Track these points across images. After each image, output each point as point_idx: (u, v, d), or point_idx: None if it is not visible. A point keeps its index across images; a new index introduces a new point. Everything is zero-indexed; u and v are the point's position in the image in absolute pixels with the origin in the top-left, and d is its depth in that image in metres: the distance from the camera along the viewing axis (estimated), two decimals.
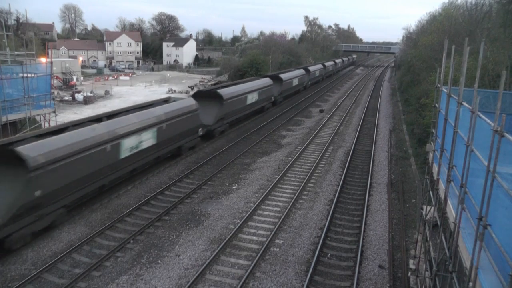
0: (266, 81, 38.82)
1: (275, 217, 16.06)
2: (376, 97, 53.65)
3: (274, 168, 21.96)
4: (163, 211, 16.22)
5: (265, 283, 11.85)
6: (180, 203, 17.23)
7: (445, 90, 9.63)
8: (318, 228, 15.38)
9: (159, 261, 12.77)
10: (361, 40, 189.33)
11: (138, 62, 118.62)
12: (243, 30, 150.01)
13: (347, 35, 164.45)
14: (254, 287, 11.66)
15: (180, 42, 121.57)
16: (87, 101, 53.28)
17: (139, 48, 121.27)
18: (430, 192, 10.46)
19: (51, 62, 24.10)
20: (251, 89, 33.93)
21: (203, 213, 16.35)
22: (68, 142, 14.69)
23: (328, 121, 35.57)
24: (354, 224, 15.98)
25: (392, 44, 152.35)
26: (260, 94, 35.96)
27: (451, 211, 7.64)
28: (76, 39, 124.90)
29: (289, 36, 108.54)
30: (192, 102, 24.47)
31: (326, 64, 74.66)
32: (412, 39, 68.45)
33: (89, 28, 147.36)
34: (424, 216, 10.93)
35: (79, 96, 54.95)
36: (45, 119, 24.60)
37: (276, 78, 42.00)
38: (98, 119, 18.15)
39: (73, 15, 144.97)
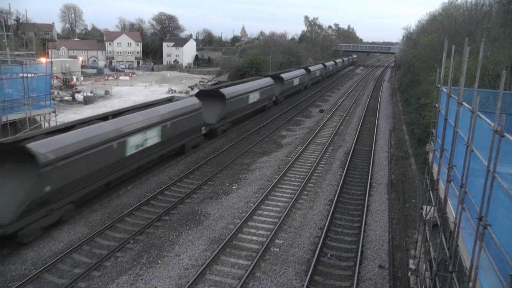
0: (268, 80, 39.16)
1: (275, 217, 16.06)
2: (376, 97, 53.66)
3: (274, 168, 21.96)
4: (163, 211, 16.22)
5: (265, 283, 11.85)
6: (180, 203, 17.23)
7: (445, 90, 9.63)
8: (318, 228, 15.38)
9: (159, 261, 12.77)
10: (361, 40, 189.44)
11: (138, 62, 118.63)
12: (243, 30, 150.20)
13: (347, 35, 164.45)
14: (254, 287, 11.66)
15: (180, 42, 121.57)
16: (87, 101, 53.29)
17: (139, 48, 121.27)
18: (430, 192, 10.46)
19: (51, 62, 24.09)
20: (252, 89, 34.25)
21: (203, 213, 16.35)
22: (76, 139, 15.10)
23: (328, 121, 35.57)
24: (354, 224, 15.98)
25: (392, 44, 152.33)
26: (261, 94, 36.28)
27: (451, 211, 7.64)
28: (76, 39, 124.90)
29: (289, 36, 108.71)
30: (195, 101, 24.80)
31: (327, 64, 74.80)
32: (412, 39, 68.43)
33: (89, 28, 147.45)
34: (424, 216, 10.93)
35: (79, 96, 54.95)
36: (45, 119, 24.60)
37: (277, 78, 42.43)
38: (104, 117, 18.46)
39: (73, 15, 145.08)
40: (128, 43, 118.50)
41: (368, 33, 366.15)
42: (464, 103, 7.65)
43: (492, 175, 5.13)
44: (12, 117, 21.03)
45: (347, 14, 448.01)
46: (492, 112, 6.63)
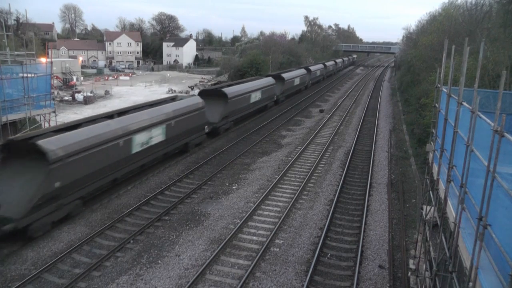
0: (269, 80, 39.52)
1: (275, 217, 16.06)
2: (376, 97, 53.66)
3: (274, 168, 21.96)
4: (163, 211, 16.22)
5: (265, 283, 11.85)
6: (180, 203, 17.24)
7: (445, 90, 9.62)
8: (318, 228, 15.38)
9: (159, 261, 12.77)
10: (361, 40, 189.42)
11: (138, 62, 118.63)
12: (243, 30, 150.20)
13: (347, 35, 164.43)
14: (254, 287, 11.66)
15: (180, 42, 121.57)
16: (87, 101, 53.30)
17: (139, 48, 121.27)
18: (430, 192, 10.46)
19: (51, 62, 24.09)
20: (254, 88, 34.62)
21: (203, 213, 16.35)
22: (85, 136, 15.55)
23: (328, 121, 35.57)
24: (354, 224, 15.98)
25: (392, 44, 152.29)
26: (263, 93, 36.61)
27: (451, 211, 7.64)
28: (76, 39, 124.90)
29: (289, 36, 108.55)
30: (198, 100, 25.22)
31: (327, 64, 74.99)
32: (412, 39, 68.41)
33: (89, 28, 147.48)
34: (424, 216, 10.92)
35: (79, 96, 54.97)
36: (45, 119, 24.59)
37: (278, 78, 42.75)
38: (109, 116, 18.77)
39: (73, 15, 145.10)
40: (128, 43, 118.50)
41: (368, 33, 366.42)
42: (464, 103, 7.65)
43: (492, 175, 5.13)
44: (12, 117, 21.02)
45: (347, 14, 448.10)
46: (492, 112, 6.63)
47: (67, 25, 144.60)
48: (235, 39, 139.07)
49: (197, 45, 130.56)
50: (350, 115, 39.40)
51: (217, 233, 14.71)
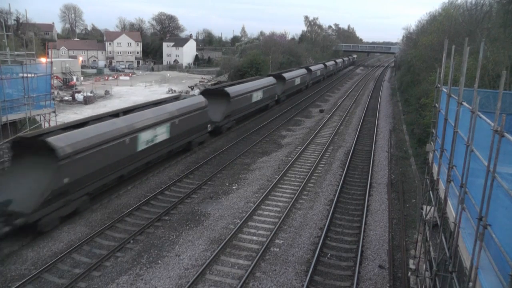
0: (270, 80, 39.97)
1: (275, 217, 16.06)
2: (376, 97, 53.66)
3: (274, 168, 21.96)
4: (163, 211, 16.22)
5: (265, 283, 11.85)
6: (180, 203, 17.24)
7: (445, 90, 9.62)
8: (318, 228, 15.38)
9: (159, 261, 12.77)
10: (361, 40, 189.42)
11: (138, 62, 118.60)
12: (243, 30, 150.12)
13: (347, 35, 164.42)
14: (254, 287, 11.66)
15: (180, 42, 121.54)
16: (87, 101, 53.29)
17: (139, 48, 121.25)
18: (430, 192, 10.46)
19: (51, 62, 24.05)
20: (256, 88, 35.07)
21: (203, 213, 16.35)
22: (92, 134, 16.00)
23: (328, 121, 35.57)
24: (354, 224, 15.98)
25: (392, 44, 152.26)
26: (264, 93, 37.04)
27: (451, 211, 7.64)
28: (76, 39, 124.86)
29: (289, 36, 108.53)
30: (202, 99, 25.71)
31: (327, 63, 75.20)
32: (412, 39, 68.40)
33: (89, 28, 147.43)
34: (424, 216, 10.92)
35: (79, 96, 54.96)
36: (45, 119, 24.57)
37: (279, 77, 43.25)
38: (115, 114, 19.16)
39: (73, 15, 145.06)
40: (128, 43, 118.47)
41: (368, 33, 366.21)
42: (464, 103, 7.65)
43: (492, 175, 5.13)
44: (12, 117, 20.99)
45: (347, 14, 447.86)
46: (492, 112, 6.63)
47: (67, 25, 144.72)
48: (235, 39, 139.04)
49: (197, 45, 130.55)
50: (350, 115, 39.40)
51: (217, 233, 14.71)
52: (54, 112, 24.31)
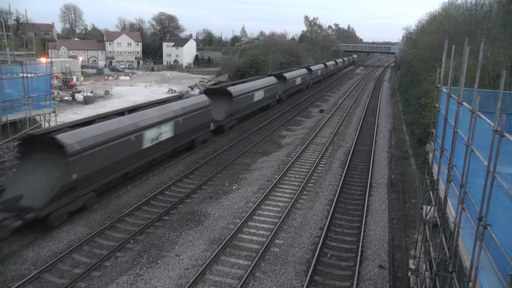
0: (271, 79, 40.42)
1: (275, 217, 16.05)
2: (376, 97, 53.66)
3: (274, 168, 21.96)
4: (163, 211, 16.22)
5: (265, 283, 11.85)
6: (180, 203, 17.23)
7: (445, 90, 9.62)
8: (318, 228, 15.38)
9: (159, 261, 12.77)
10: (361, 40, 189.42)
11: (138, 62, 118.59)
12: (243, 30, 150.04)
13: (347, 35, 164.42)
14: (254, 287, 11.66)
15: (180, 42, 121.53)
16: (87, 101, 53.31)
17: (139, 48, 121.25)
18: (430, 192, 10.46)
19: (51, 62, 24.04)
20: (257, 87, 35.45)
21: (203, 213, 16.35)
22: (99, 132, 16.39)
23: (328, 121, 35.57)
24: (354, 224, 15.98)
25: (392, 44, 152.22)
26: (265, 92, 37.43)
27: (451, 211, 7.64)
28: (76, 39, 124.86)
29: (289, 36, 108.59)
30: (205, 98, 26.13)
31: (327, 63, 75.38)
32: (412, 39, 68.39)
33: (89, 28, 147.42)
34: (424, 216, 10.92)
35: (79, 96, 54.97)
36: (45, 119, 24.57)
37: (280, 77, 43.68)
38: (120, 113, 19.54)
39: (73, 15, 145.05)
40: (128, 43, 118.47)
41: (368, 33, 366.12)
42: (464, 103, 7.65)
43: (492, 175, 5.13)
44: (12, 117, 20.99)
45: (347, 14, 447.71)
46: (492, 112, 6.63)
47: (67, 25, 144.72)
48: (235, 39, 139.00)
49: (197, 45, 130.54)
50: (350, 115, 39.40)
51: (217, 233, 14.71)
52: (54, 112, 24.30)
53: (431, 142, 11.59)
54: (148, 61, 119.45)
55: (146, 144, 19.25)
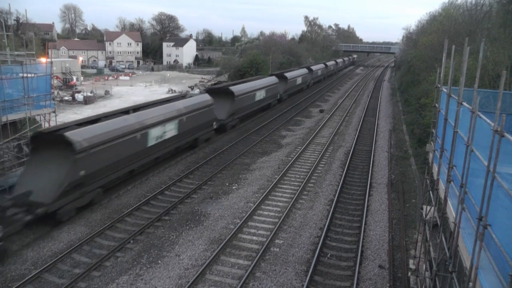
0: (273, 79, 40.76)
1: (275, 217, 16.05)
2: (376, 97, 53.66)
3: (274, 168, 21.96)
4: (163, 211, 16.22)
5: (265, 283, 11.85)
6: (180, 203, 17.23)
7: (445, 90, 9.62)
8: (318, 228, 15.37)
9: (159, 261, 12.77)
10: (361, 40, 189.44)
11: (138, 62, 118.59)
12: (243, 30, 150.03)
13: (347, 35, 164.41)
14: (254, 287, 11.66)
15: (180, 42, 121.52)
16: (87, 101, 53.30)
17: (139, 48, 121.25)
18: (430, 192, 10.46)
19: (51, 62, 24.02)
20: (259, 87, 35.79)
21: (203, 213, 16.35)
22: (106, 130, 16.78)
23: (328, 121, 35.57)
24: (354, 224, 15.98)
25: (392, 44, 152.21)
26: (267, 92, 37.78)
27: (451, 211, 7.64)
28: (76, 39, 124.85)
29: (289, 36, 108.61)
30: (208, 97, 26.49)
31: (328, 63, 75.69)
32: (412, 39, 68.41)
33: (89, 28, 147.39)
34: (424, 216, 10.92)
35: (79, 96, 54.97)
36: (45, 119, 24.57)
37: (281, 77, 44.04)
38: (125, 111, 19.91)
39: (73, 15, 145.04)
40: (128, 43, 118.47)
41: (368, 33, 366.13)
42: (464, 103, 7.65)
43: (492, 175, 5.13)
44: (12, 117, 20.97)
45: (347, 14, 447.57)
46: (492, 112, 6.63)
47: (67, 25, 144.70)
48: (235, 39, 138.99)
49: (197, 45, 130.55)
50: (350, 115, 39.40)
51: (217, 233, 14.71)
52: (54, 112, 24.30)
53: (431, 142, 11.59)
54: (148, 61, 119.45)
55: (151, 142, 19.60)
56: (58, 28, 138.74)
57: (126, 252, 13.33)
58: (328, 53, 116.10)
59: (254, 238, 14.46)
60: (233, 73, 66.14)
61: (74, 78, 71.65)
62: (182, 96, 26.71)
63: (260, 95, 35.91)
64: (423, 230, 10.98)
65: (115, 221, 15.29)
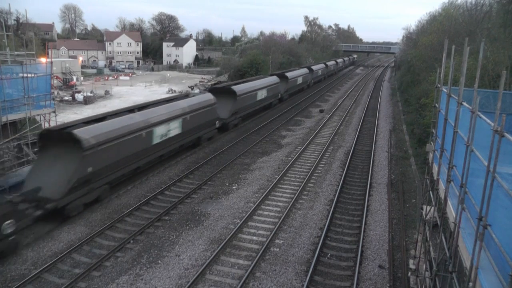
0: (274, 79, 41.19)
1: (275, 217, 16.05)
2: (376, 97, 53.65)
3: (274, 168, 21.96)
4: (163, 211, 16.22)
5: (265, 283, 11.85)
6: (180, 203, 17.23)
7: (445, 90, 9.62)
8: (318, 228, 15.37)
9: (159, 261, 12.77)
10: (361, 40, 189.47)
11: (138, 62, 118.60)
12: (243, 30, 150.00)
13: (347, 35, 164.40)
14: (254, 287, 11.66)
15: (180, 42, 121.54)
16: (87, 101, 53.31)
17: (139, 48, 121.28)
18: (430, 192, 10.46)
19: (51, 62, 24.02)
20: (260, 86, 36.16)
21: (203, 213, 16.35)
22: (113, 127, 17.17)
23: (328, 121, 35.57)
24: (354, 224, 15.98)
25: (392, 44, 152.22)
26: (268, 91, 38.18)
27: (451, 211, 7.64)
28: (76, 39, 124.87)
29: (289, 36, 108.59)
30: (210, 97, 26.85)
31: (328, 63, 75.88)
32: (412, 39, 68.41)
33: (89, 28, 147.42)
34: (424, 216, 10.92)
35: (79, 96, 54.98)
36: (45, 119, 24.57)
37: (282, 77, 44.48)
38: (130, 110, 20.34)
39: (73, 15, 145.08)
40: (128, 43, 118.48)
41: (368, 33, 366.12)
42: (464, 103, 7.65)
43: (492, 175, 5.13)
44: (12, 117, 20.97)
45: (347, 14, 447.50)
46: (492, 112, 6.63)
47: (67, 25, 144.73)
48: (235, 39, 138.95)
49: (197, 45, 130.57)
50: (350, 115, 39.40)
51: (217, 233, 14.71)
52: (54, 112, 24.31)
53: (431, 142, 11.59)
54: (148, 61, 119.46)
55: (156, 140, 19.98)
56: (58, 28, 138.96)
57: (126, 252, 13.33)
58: (328, 53, 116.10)
59: (254, 238, 14.46)
60: (233, 73, 66.14)
61: (74, 78, 71.66)
62: (186, 95, 27.05)
63: (261, 94, 36.21)
64: (423, 230, 10.98)
65: (115, 221, 15.30)
